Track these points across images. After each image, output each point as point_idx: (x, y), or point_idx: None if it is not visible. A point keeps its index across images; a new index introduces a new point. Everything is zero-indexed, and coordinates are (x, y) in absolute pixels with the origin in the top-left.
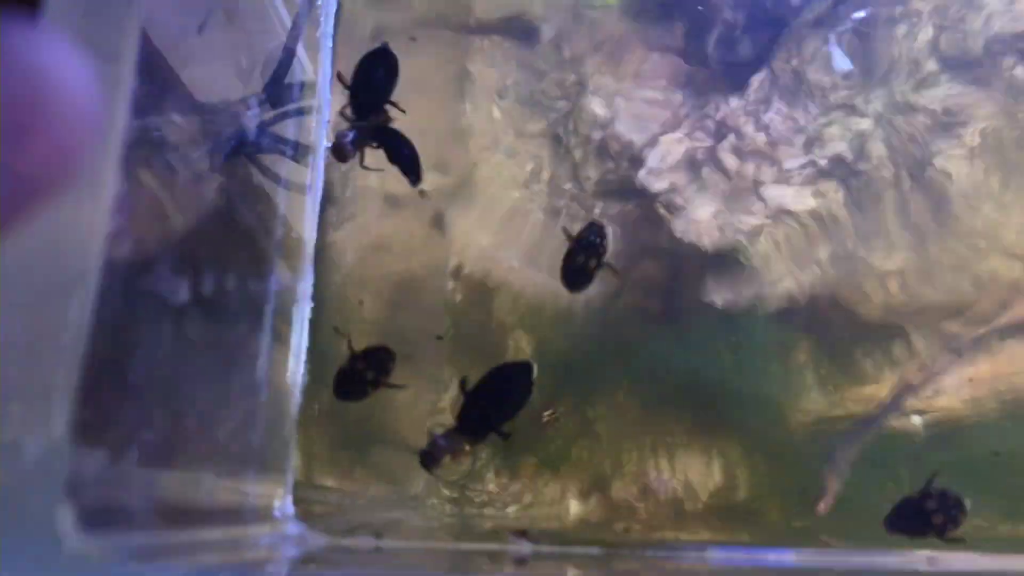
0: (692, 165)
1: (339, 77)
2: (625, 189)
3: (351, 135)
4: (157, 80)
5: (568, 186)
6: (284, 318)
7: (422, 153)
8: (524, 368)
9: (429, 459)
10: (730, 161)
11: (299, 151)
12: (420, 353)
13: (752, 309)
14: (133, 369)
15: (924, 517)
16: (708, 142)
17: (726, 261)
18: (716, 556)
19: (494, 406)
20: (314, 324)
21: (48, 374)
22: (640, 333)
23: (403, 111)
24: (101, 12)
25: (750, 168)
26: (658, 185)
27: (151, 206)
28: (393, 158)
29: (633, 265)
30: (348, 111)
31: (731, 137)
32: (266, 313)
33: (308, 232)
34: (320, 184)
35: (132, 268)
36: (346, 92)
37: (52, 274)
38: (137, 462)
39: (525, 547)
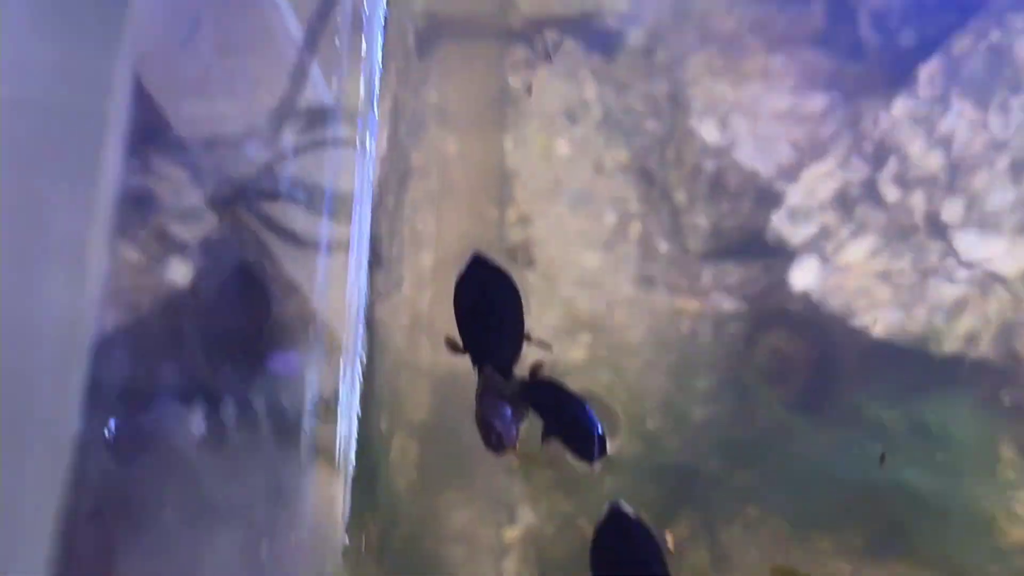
0: (844, 204)
1: (449, 344)
2: (750, 242)
3: (504, 411)
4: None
5: (665, 247)
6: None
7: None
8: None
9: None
10: (893, 195)
11: (329, 200)
12: (480, 466)
13: (940, 391)
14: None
15: None
16: (865, 171)
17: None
18: None
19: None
20: (362, 429)
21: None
22: (777, 427)
23: (549, 347)
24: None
25: (921, 204)
26: (800, 234)
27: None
28: (559, 429)
29: (762, 338)
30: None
31: (892, 162)
32: (302, 431)
33: (352, 311)
34: (363, 244)
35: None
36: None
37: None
38: None
39: None
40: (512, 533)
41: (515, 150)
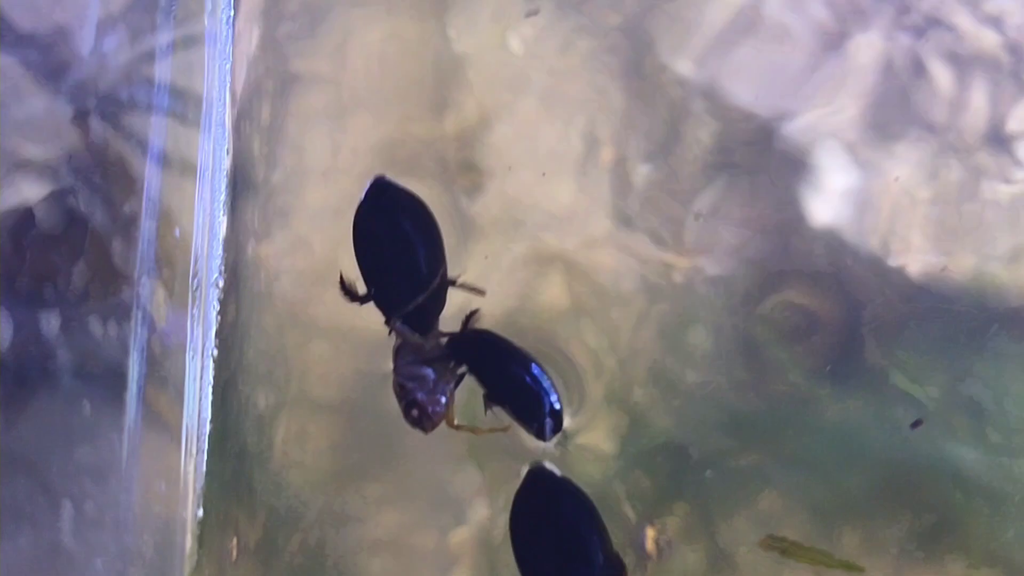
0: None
1: (344, 289)
2: (759, 152)
3: (425, 375)
4: None
5: (646, 170)
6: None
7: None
8: None
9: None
10: (942, 100)
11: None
12: (414, 452)
13: (996, 353)
14: None
15: None
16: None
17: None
18: None
19: None
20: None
21: None
22: (793, 400)
23: (482, 292)
24: None
25: (981, 102)
26: (824, 151)
27: None
28: (502, 396)
29: (774, 294)
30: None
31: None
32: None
33: (203, 239)
34: (224, 163)
35: None
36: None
37: None
38: None
39: None
40: (459, 537)
41: (460, 39)
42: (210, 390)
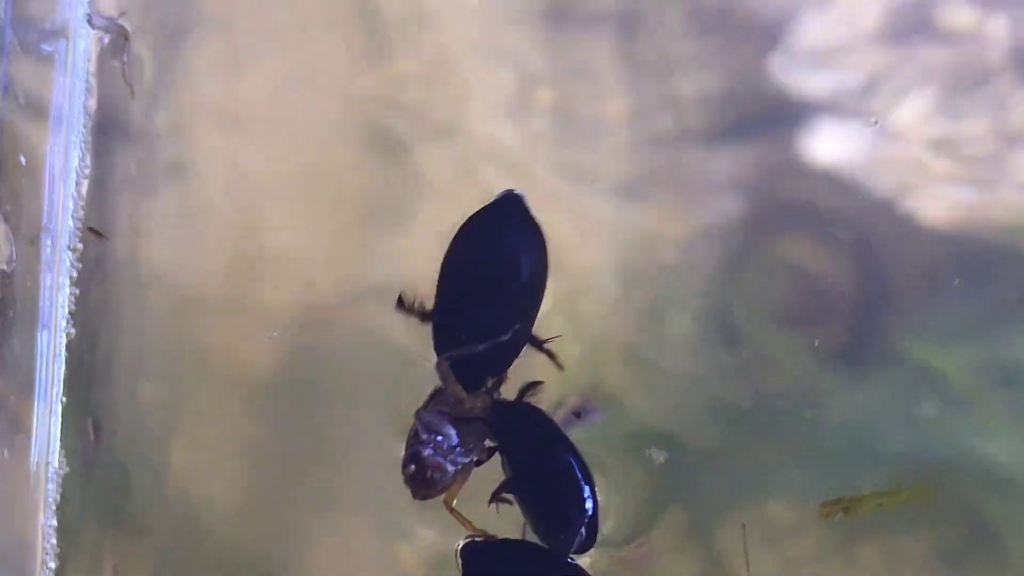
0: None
1: (403, 304)
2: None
3: (447, 434)
4: None
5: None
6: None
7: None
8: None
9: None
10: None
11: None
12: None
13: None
14: None
15: None
16: None
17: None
18: None
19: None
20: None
21: None
22: (795, 388)
23: (560, 365)
24: None
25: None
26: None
27: None
28: (526, 491)
29: (768, 255)
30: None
31: None
32: None
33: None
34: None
35: None
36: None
37: None
38: None
39: None
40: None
41: None
42: (62, 376)
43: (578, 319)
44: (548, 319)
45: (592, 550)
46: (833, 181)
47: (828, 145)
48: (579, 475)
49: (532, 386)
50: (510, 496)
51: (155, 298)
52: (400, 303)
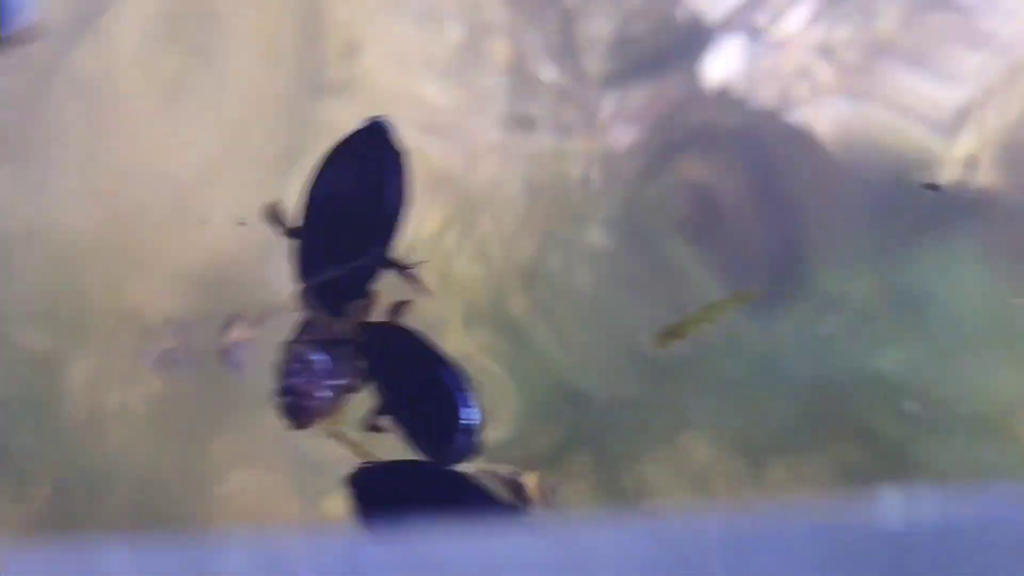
0: None
1: (271, 213)
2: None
3: (318, 362)
4: None
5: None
6: None
7: None
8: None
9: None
10: None
11: None
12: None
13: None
14: None
15: None
16: None
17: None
18: None
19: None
20: None
21: None
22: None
23: (429, 292)
24: None
25: None
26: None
27: None
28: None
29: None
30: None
31: None
32: None
33: None
34: None
35: None
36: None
37: None
38: None
39: None
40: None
41: None
42: None
43: (480, 238)
44: (440, 237)
45: (479, 459)
46: (725, 100)
47: (720, 65)
48: (452, 384)
49: (401, 304)
50: (385, 422)
51: None
52: (271, 212)
